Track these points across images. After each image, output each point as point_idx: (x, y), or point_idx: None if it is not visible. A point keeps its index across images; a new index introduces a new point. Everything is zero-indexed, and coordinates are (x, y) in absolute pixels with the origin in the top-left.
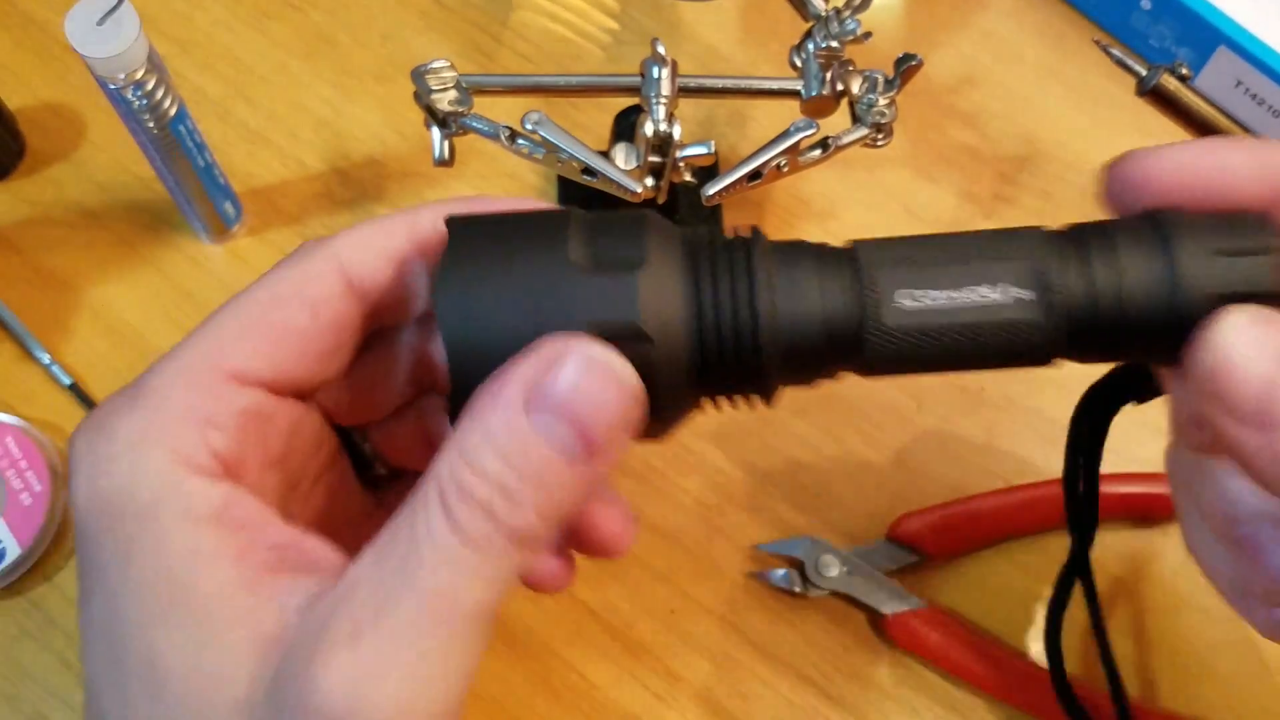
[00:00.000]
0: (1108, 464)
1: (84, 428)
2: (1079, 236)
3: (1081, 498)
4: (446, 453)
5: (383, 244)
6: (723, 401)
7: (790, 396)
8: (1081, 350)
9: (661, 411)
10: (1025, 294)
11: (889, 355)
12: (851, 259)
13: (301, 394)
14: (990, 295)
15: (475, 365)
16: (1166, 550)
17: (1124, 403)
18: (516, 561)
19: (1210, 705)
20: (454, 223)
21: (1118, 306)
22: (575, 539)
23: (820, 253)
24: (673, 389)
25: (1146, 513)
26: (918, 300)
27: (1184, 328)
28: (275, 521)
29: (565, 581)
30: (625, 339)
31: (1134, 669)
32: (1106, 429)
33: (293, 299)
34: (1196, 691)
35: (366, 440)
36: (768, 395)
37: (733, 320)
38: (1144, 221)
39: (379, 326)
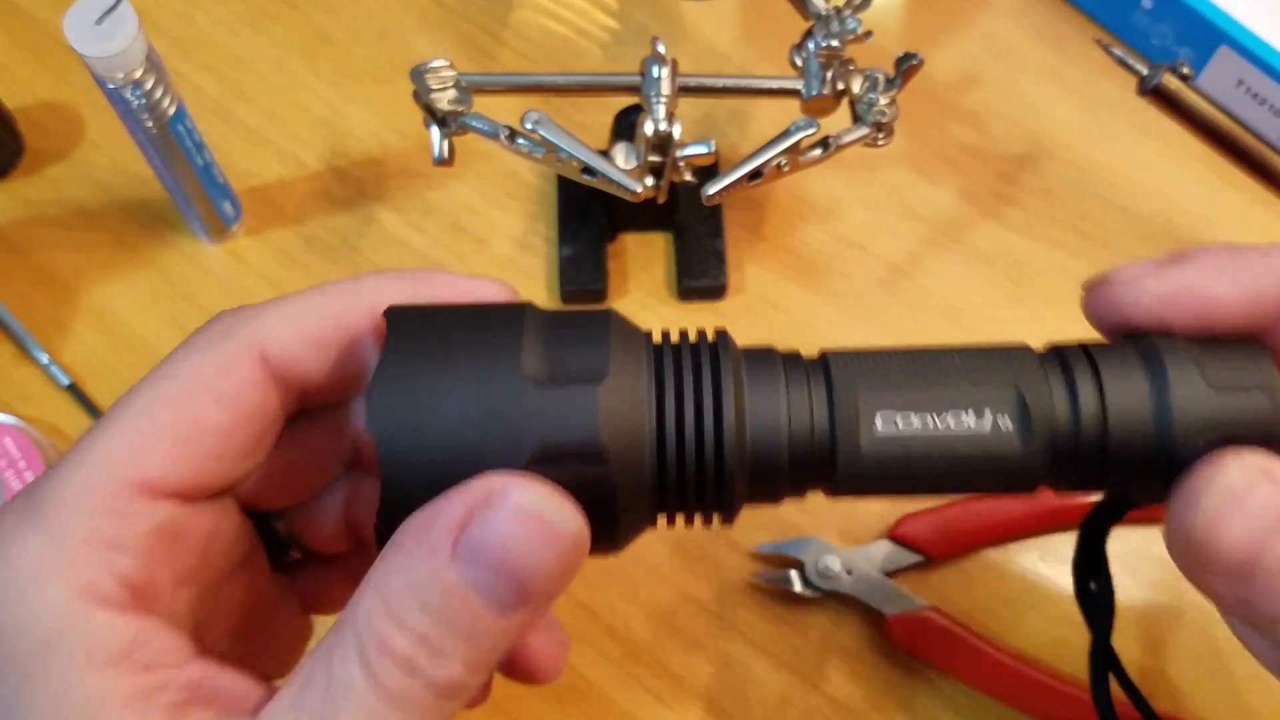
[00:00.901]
0: None
1: None
2: (1065, 360)
3: (1095, 594)
4: (366, 597)
5: (308, 325)
6: (680, 519)
7: None
8: (1064, 480)
9: (615, 533)
10: (1006, 423)
11: (862, 481)
12: (826, 374)
13: (216, 494)
14: (969, 423)
15: (412, 486)
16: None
17: (1128, 510)
18: (441, 714)
19: (1214, 707)
20: (395, 316)
21: (1102, 439)
22: (504, 665)
23: (791, 365)
24: (629, 511)
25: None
26: (895, 426)
27: (1174, 465)
28: (189, 656)
29: (480, 701)
30: (581, 460)
31: (1135, 670)
32: (1108, 532)
33: (205, 393)
34: (1199, 693)
35: (281, 522)
36: (730, 515)
37: (696, 440)
38: (1133, 346)
39: (302, 408)
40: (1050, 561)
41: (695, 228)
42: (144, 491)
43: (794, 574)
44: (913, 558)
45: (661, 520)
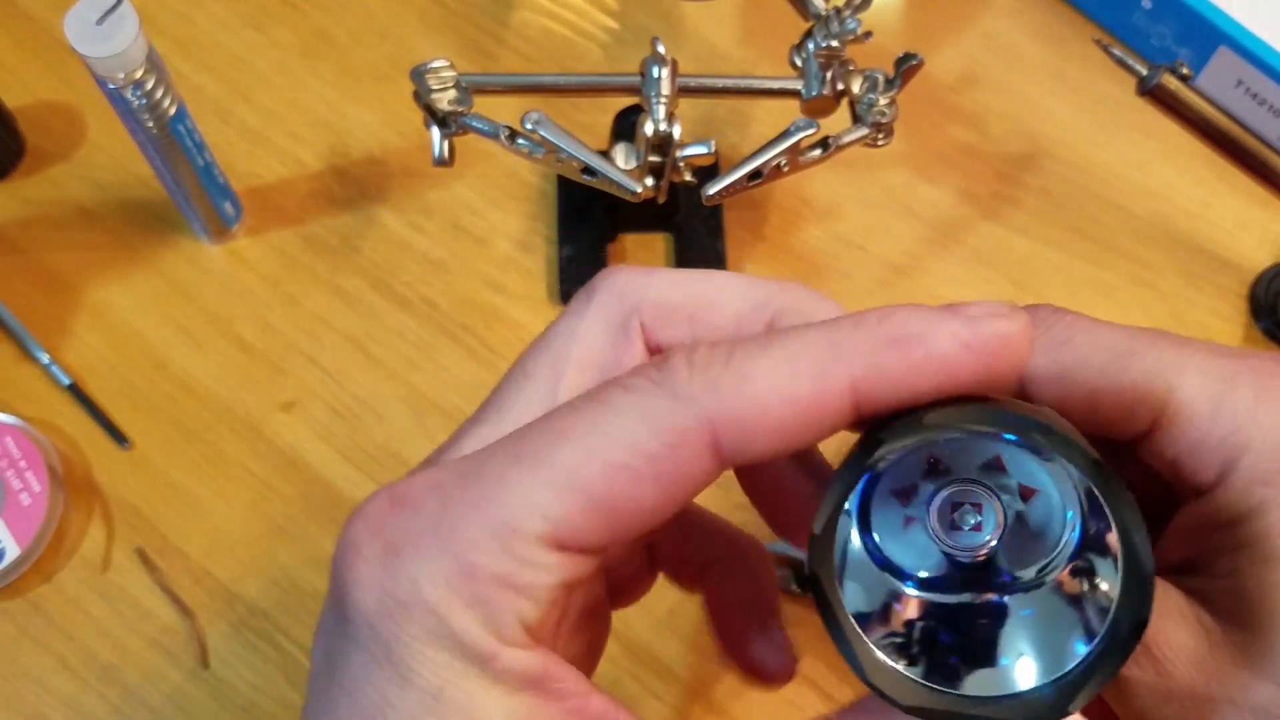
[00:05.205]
0: None
1: (368, 536)
2: None
3: None
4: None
5: (781, 419)
6: None
7: None
8: None
9: None
10: None
11: None
12: None
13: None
14: None
15: None
16: None
17: None
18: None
19: None
20: (871, 443)
21: None
22: (740, 663)
23: None
24: None
25: None
26: None
27: None
28: (594, 690)
29: (645, 587)
30: None
31: None
32: None
33: (651, 473)
34: None
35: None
36: None
37: None
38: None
39: None
40: None
41: (695, 228)
42: (559, 547)
43: (794, 574)
44: None
45: None
